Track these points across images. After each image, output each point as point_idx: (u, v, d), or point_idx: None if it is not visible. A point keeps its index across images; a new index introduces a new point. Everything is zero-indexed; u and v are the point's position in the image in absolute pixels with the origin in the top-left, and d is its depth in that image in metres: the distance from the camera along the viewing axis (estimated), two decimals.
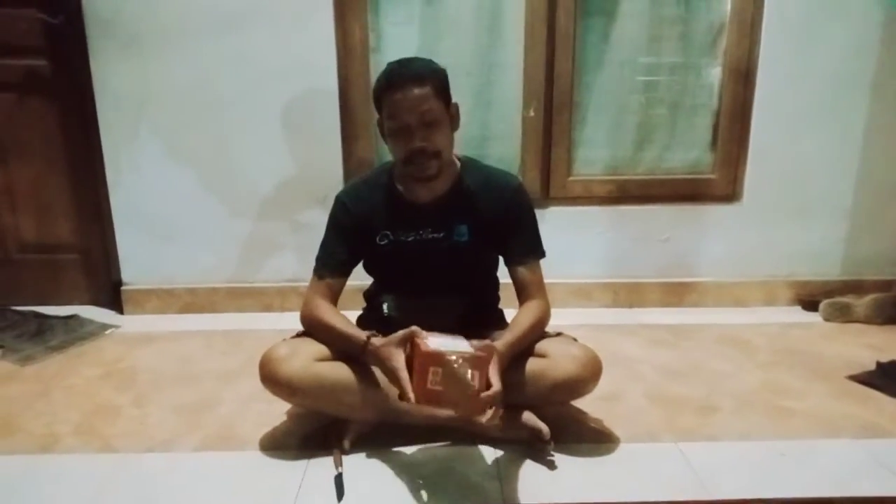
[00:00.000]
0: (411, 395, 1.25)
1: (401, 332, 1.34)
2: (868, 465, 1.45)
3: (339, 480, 1.37)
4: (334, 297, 1.57)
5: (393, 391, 1.42)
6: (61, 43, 2.33)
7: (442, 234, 1.55)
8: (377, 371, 1.47)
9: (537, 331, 1.53)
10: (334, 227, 1.59)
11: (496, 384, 1.27)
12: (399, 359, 1.32)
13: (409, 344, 1.32)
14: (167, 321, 2.43)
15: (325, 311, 1.51)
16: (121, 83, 2.33)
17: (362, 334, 1.43)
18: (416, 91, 1.40)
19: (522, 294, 1.57)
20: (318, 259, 1.59)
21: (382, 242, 1.56)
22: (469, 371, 1.23)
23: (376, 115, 1.52)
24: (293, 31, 2.31)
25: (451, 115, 1.48)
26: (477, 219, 1.55)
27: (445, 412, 1.32)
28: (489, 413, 1.27)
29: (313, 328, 1.53)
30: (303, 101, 2.37)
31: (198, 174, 2.43)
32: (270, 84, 2.35)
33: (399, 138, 1.44)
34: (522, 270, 1.57)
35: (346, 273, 1.59)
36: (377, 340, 1.39)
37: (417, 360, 1.26)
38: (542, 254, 1.60)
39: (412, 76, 1.42)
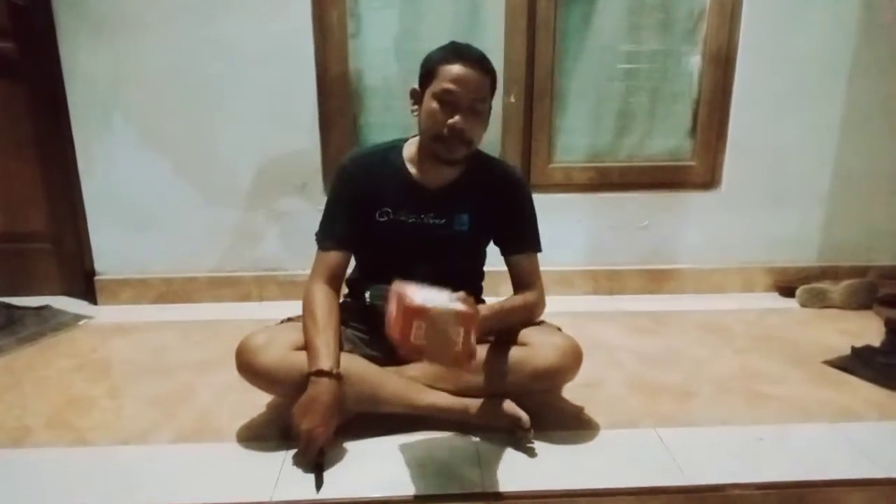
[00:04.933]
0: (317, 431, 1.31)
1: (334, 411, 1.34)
2: (844, 448, 1.47)
3: (318, 471, 1.35)
4: (339, 276, 1.54)
5: (377, 379, 1.44)
6: (28, 25, 2.26)
7: (443, 221, 1.54)
8: (355, 359, 1.47)
9: (526, 313, 1.54)
10: (336, 200, 1.56)
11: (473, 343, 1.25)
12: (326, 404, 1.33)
13: (393, 297, 1.26)
14: (142, 311, 2.39)
15: (317, 305, 1.46)
16: (92, 67, 2.27)
17: (317, 363, 1.36)
18: (480, 74, 1.42)
19: (519, 285, 1.58)
20: (320, 232, 1.55)
21: (382, 219, 1.54)
22: (453, 327, 1.21)
23: (413, 86, 1.49)
24: (270, 16, 2.26)
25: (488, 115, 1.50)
26: (478, 209, 1.55)
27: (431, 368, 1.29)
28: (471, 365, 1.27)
29: (303, 313, 1.49)
30: (280, 87, 2.33)
31: (173, 161, 2.38)
32: (247, 70, 2.30)
33: (443, 108, 1.41)
34: (520, 261, 1.57)
35: (349, 246, 1.55)
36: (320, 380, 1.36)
37: (402, 313, 1.21)
38: (538, 248, 1.60)
39: (481, 60, 1.43)
